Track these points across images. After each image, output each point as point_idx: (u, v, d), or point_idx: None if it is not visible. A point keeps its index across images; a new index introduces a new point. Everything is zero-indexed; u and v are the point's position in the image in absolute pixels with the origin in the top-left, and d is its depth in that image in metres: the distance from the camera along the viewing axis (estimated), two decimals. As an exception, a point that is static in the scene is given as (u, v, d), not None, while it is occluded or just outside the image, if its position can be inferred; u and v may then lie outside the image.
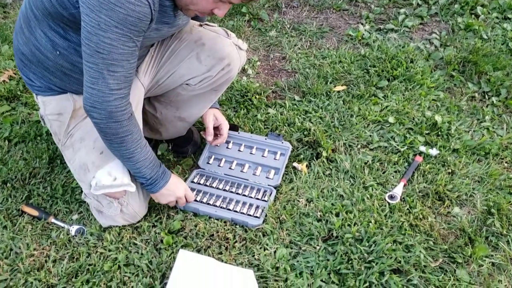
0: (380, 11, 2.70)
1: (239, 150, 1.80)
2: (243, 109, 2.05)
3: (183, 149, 1.86)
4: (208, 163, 1.78)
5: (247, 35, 2.57)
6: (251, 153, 1.79)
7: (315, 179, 1.69)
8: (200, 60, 1.56)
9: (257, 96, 2.11)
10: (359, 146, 1.84)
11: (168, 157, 1.84)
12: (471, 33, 2.47)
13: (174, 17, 1.29)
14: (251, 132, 1.90)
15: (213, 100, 1.75)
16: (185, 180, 1.71)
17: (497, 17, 2.59)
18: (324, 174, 1.71)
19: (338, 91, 2.12)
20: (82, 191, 1.52)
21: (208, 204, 1.59)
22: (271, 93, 2.17)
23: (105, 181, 1.35)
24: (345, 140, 1.86)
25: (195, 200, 1.59)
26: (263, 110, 2.04)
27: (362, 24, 2.61)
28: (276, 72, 2.33)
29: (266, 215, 1.53)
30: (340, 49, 2.42)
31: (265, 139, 1.81)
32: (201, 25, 1.58)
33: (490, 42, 2.39)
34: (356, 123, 1.94)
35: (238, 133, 1.84)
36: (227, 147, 1.82)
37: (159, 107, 1.73)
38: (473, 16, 2.61)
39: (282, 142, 1.80)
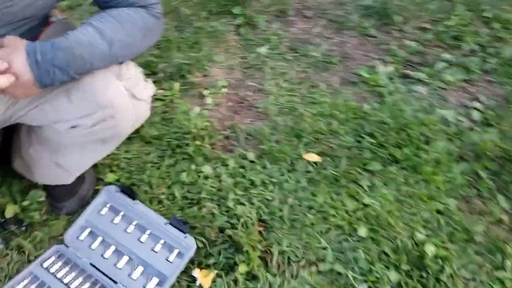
0: (417, 48, 2.04)
1: (125, 231, 1.30)
2: (170, 158, 1.53)
3: (58, 204, 1.38)
4: (78, 238, 1.29)
5: (228, 46, 2.01)
6: (140, 240, 1.28)
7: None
8: (71, 100, 1.07)
9: (199, 143, 1.58)
10: (302, 263, 1.29)
11: (36, 210, 1.37)
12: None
13: None
14: (155, 204, 1.39)
15: (104, 153, 1.25)
16: (34, 258, 1.23)
17: None
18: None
19: (309, 162, 1.55)
20: None
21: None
22: (220, 140, 1.63)
23: None
24: (286, 246, 1.31)
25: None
26: (196, 166, 1.51)
27: (384, 62, 1.97)
28: (242, 109, 1.77)
29: None
30: (339, 94, 1.81)
31: (166, 223, 1.29)
32: None
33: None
34: (312, 224, 1.38)
35: (133, 201, 1.33)
36: (112, 221, 1.31)
37: (31, 142, 1.25)
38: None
39: (186, 237, 1.27)
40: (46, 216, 1.38)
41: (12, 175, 1.42)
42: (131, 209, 1.32)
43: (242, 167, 1.53)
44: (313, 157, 1.57)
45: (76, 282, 1.20)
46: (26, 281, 1.19)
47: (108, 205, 1.34)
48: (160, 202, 1.41)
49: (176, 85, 1.78)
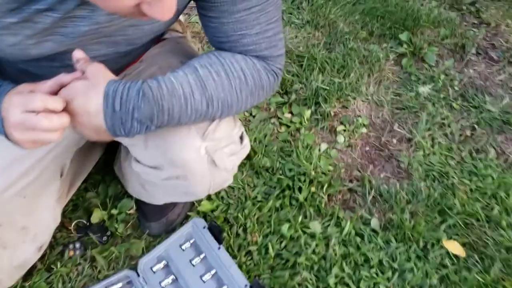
0: None
1: (201, 278, 1.14)
2: (276, 200, 1.33)
3: (146, 222, 1.27)
4: (151, 268, 1.16)
5: (381, 77, 1.72)
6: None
7: None
8: (146, 145, 0.94)
9: (314, 190, 1.34)
10: None
11: (122, 221, 1.29)
12: None
13: None
14: (243, 254, 1.20)
15: (187, 200, 1.14)
16: (104, 276, 1.15)
17: None
18: None
19: (448, 253, 1.21)
20: None
21: None
22: (342, 192, 1.37)
23: None
24: None
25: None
26: (303, 218, 1.28)
27: None
28: (380, 159, 1.48)
29: None
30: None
31: (246, 286, 1.09)
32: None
33: None
34: None
35: (219, 245, 1.16)
36: (190, 260, 1.16)
37: (126, 156, 1.18)
38: None
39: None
40: (130, 231, 1.28)
41: (114, 175, 1.37)
42: (214, 254, 1.15)
43: (360, 235, 1.25)
44: (455, 247, 1.22)
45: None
46: (84, 304, 1.10)
47: (191, 241, 1.19)
48: (249, 253, 1.21)
49: (307, 113, 1.57)
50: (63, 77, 0.72)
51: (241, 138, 0.98)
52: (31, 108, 0.68)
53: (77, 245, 1.23)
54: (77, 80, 0.73)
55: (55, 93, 0.72)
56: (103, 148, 1.31)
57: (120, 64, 0.93)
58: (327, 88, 1.62)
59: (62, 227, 1.28)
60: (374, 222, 1.28)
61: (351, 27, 1.91)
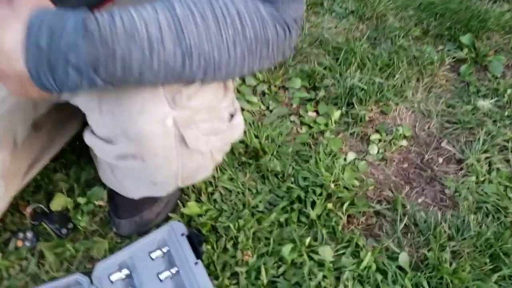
0: None
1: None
2: (282, 213, 1.07)
3: (115, 218, 1.05)
4: (109, 277, 0.93)
5: (433, 83, 1.45)
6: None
7: None
8: (101, 108, 0.71)
9: (331, 207, 1.09)
10: None
11: (89, 214, 1.07)
12: None
13: None
14: (228, 275, 0.95)
15: (159, 193, 0.92)
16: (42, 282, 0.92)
17: None
18: None
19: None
20: None
21: None
22: (367, 214, 1.11)
23: None
24: None
25: None
26: (312, 240, 1.03)
27: None
28: (420, 180, 1.20)
29: None
30: None
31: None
32: None
33: None
34: None
35: (196, 260, 0.91)
36: (158, 274, 0.93)
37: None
38: None
39: None
40: (95, 227, 1.06)
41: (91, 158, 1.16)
42: (189, 271, 0.91)
43: (382, 272, 0.98)
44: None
45: None
46: (15, 310, 0.88)
47: (164, 249, 0.96)
48: (235, 275, 0.96)
49: (336, 114, 1.31)
50: None
51: (232, 116, 0.74)
52: None
53: (29, 234, 1.02)
54: None
55: None
56: (80, 121, 1.10)
57: None
58: (365, 87, 1.37)
59: (15, 210, 1.07)
60: (403, 258, 1.01)
61: (402, 23, 1.64)
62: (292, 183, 1.14)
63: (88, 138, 0.77)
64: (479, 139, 1.26)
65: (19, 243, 1.01)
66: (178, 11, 0.56)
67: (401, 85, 1.42)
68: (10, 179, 0.96)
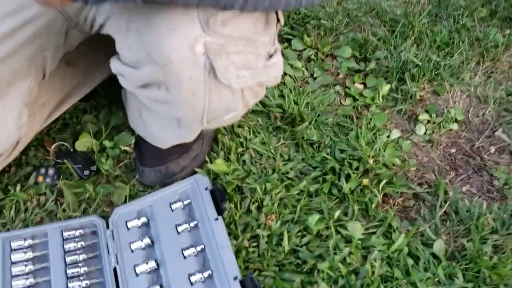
0: None
1: (182, 251, 0.87)
2: (313, 183, 1.04)
3: (140, 165, 1.04)
4: (126, 223, 0.92)
5: (495, 67, 1.36)
6: (190, 280, 0.84)
7: None
8: (129, 27, 0.68)
9: (367, 183, 1.04)
10: None
11: (113, 158, 1.06)
12: None
13: None
14: (244, 245, 0.92)
15: (184, 138, 0.93)
16: (56, 219, 0.92)
17: None
18: None
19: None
20: None
21: None
22: (405, 196, 1.05)
23: None
24: None
25: None
26: (341, 215, 0.98)
27: None
28: (467, 167, 1.14)
29: None
30: None
31: (235, 278, 0.82)
32: None
33: None
34: None
35: (217, 216, 0.89)
36: (177, 226, 0.91)
37: None
38: None
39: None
40: (119, 173, 1.05)
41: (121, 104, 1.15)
42: (208, 226, 0.88)
43: (415, 257, 0.93)
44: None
45: (82, 278, 0.84)
46: (28, 242, 0.88)
47: (186, 202, 0.94)
48: (256, 237, 0.93)
49: (385, 88, 1.25)
50: None
51: (271, 56, 0.69)
52: None
53: (50, 171, 1.03)
54: None
55: None
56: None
57: None
58: (420, 63, 1.29)
59: (40, 146, 1.07)
60: (439, 246, 0.95)
61: (468, 1, 1.55)
62: (327, 154, 1.09)
63: (114, 65, 0.74)
64: (540, 132, 1.18)
65: (40, 179, 1.01)
66: None
67: (458, 66, 1.34)
68: (36, 110, 0.96)
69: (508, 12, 1.50)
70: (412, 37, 1.38)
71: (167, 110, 0.71)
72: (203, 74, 0.62)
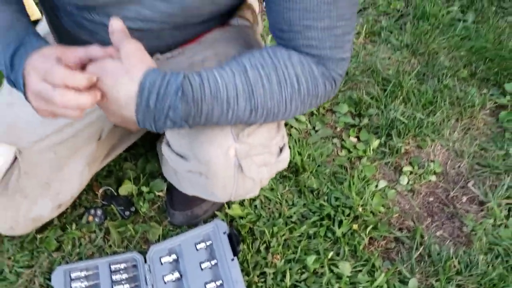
0: None
1: (205, 285, 1.08)
2: (311, 227, 1.24)
3: (171, 208, 1.25)
4: (160, 259, 1.13)
5: (470, 125, 1.55)
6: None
7: None
8: (180, 132, 0.90)
9: (356, 227, 1.24)
10: None
11: (149, 201, 1.27)
12: None
13: None
14: (254, 281, 1.12)
15: (214, 199, 1.07)
16: (105, 254, 1.14)
17: None
18: None
19: None
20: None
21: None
22: (387, 239, 1.25)
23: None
24: None
25: None
26: (334, 255, 1.18)
27: None
28: (441, 215, 1.33)
29: None
30: None
31: None
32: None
33: None
34: None
35: (233, 259, 1.09)
36: (200, 263, 1.11)
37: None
38: None
39: None
40: (153, 214, 1.26)
41: (156, 153, 1.36)
42: (226, 265, 1.09)
43: (393, 292, 1.13)
44: None
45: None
46: (84, 273, 1.09)
47: (208, 243, 1.15)
48: (263, 274, 1.14)
49: (375, 143, 1.45)
50: (94, 50, 0.67)
51: (281, 149, 0.91)
52: (50, 81, 0.64)
53: (99, 212, 1.24)
54: (109, 58, 0.67)
55: (83, 65, 0.68)
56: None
57: (175, 39, 0.90)
58: (406, 121, 1.50)
59: (90, 190, 1.29)
60: (412, 284, 1.15)
61: (452, 63, 1.74)
62: (325, 201, 1.30)
63: (165, 150, 0.95)
64: (503, 185, 1.37)
65: (90, 218, 1.23)
66: (249, 74, 0.72)
67: (440, 123, 1.53)
68: (91, 164, 1.17)
69: (486, 74, 1.70)
70: (401, 97, 1.58)
71: (203, 186, 0.92)
72: (233, 171, 0.84)
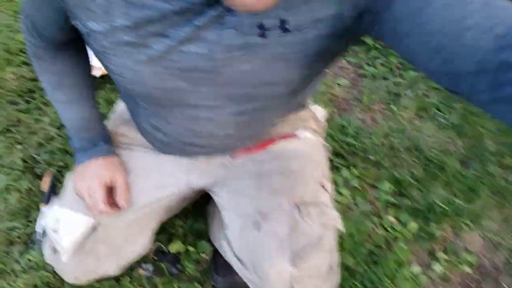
0: None
1: None
2: None
3: (214, 272, 1.31)
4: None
5: None
6: None
7: None
8: (241, 235, 0.99)
9: None
10: None
11: (195, 261, 1.34)
12: None
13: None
14: None
15: None
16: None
17: None
18: None
19: None
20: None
21: None
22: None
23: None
24: None
25: None
26: None
27: None
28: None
29: None
30: None
31: None
32: None
33: None
34: None
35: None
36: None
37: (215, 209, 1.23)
38: None
39: None
40: (198, 275, 1.33)
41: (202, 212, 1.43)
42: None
43: None
44: None
45: None
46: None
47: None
48: None
49: (413, 226, 1.47)
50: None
51: (331, 267, 0.95)
52: (89, 193, 0.91)
53: (150, 267, 1.32)
54: None
55: None
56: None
57: (241, 142, 0.96)
58: (446, 208, 1.51)
59: (143, 244, 1.37)
60: None
61: (498, 148, 1.74)
62: (359, 282, 1.33)
63: (226, 253, 1.03)
64: (538, 285, 1.36)
65: (141, 272, 1.31)
66: None
67: (479, 212, 1.54)
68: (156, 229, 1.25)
69: (531, 163, 1.69)
70: (443, 181, 1.59)
71: (254, 284, 0.98)
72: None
